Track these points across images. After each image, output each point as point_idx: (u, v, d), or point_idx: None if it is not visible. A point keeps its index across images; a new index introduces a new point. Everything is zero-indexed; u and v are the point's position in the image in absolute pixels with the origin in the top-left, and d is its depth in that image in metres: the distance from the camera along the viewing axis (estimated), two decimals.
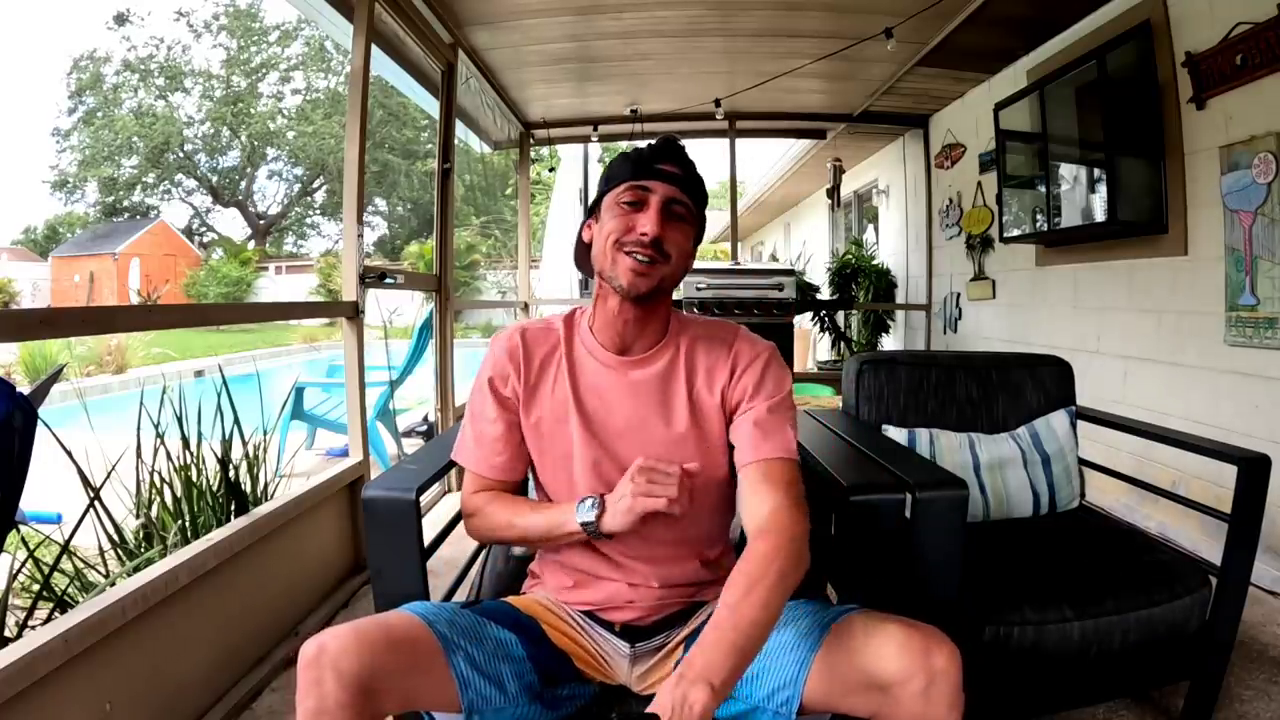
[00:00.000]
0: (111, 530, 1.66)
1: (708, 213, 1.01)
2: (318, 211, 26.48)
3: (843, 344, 5.54)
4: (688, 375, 0.98)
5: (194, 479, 1.80)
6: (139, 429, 1.80)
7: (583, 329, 1.00)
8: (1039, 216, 3.14)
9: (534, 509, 0.95)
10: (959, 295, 4.28)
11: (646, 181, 0.91)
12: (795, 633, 0.82)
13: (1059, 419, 1.68)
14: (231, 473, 1.85)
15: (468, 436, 1.01)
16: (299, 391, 3.65)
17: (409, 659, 0.78)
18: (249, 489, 1.93)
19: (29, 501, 1.16)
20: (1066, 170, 2.95)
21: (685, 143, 0.98)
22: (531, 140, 4.87)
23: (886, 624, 0.77)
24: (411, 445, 3.79)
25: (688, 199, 0.93)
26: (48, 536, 1.57)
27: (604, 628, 0.97)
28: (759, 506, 0.87)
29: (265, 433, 2.17)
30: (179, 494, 1.78)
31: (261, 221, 25.67)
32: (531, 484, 1.07)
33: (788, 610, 0.85)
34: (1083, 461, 1.71)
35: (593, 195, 0.99)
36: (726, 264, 4.54)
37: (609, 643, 0.97)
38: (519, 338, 0.99)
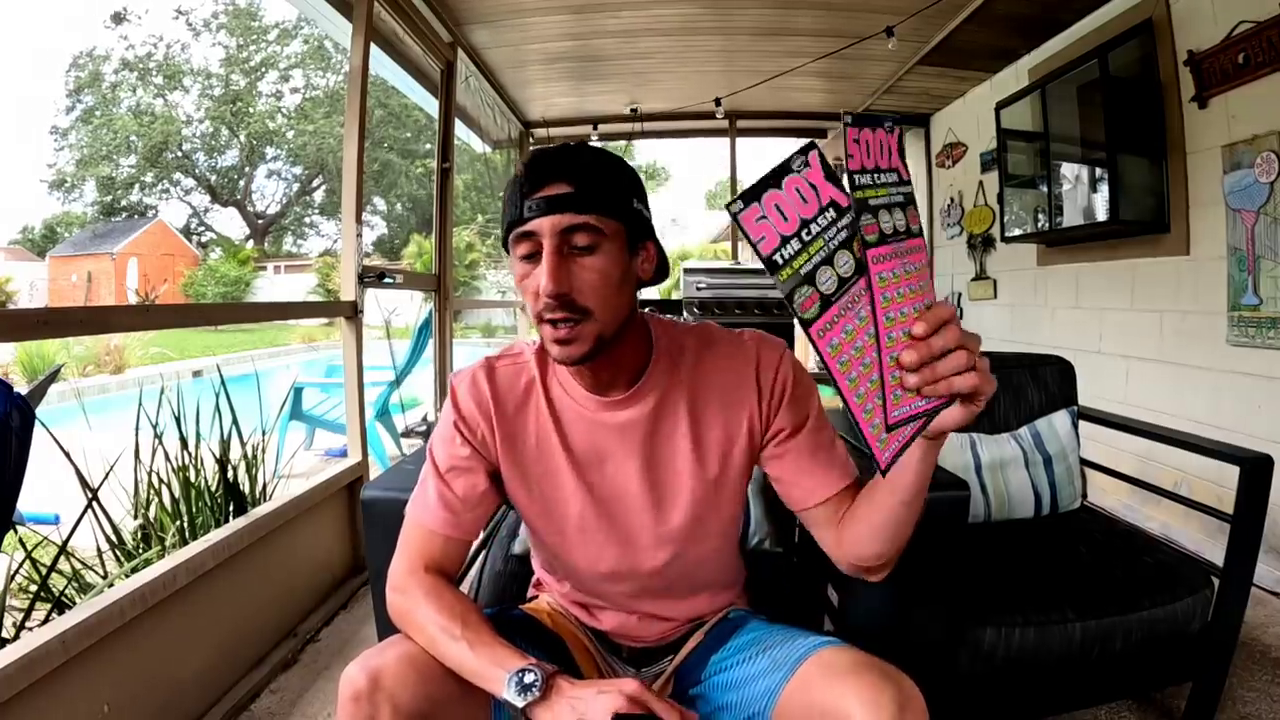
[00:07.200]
0: (109, 531, 1.65)
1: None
2: (316, 211, 26.51)
3: None
4: (691, 406, 0.82)
5: (192, 479, 1.80)
6: (137, 429, 1.79)
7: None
8: (1040, 216, 3.14)
9: (466, 640, 0.72)
10: (960, 295, 4.27)
11: (528, 224, 0.71)
12: (770, 661, 0.79)
13: (1061, 419, 1.68)
14: (230, 473, 1.84)
15: (429, 492, 0.83)
16: (298, 392, 3.64)
17: (457, 685, 0.72)
18: (247, 489, 1.93)
19: (26, 502, 1.15)
20: (1068, 169, 2.95)
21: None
22: (531, 140, 4.85)
23: (853, 668, 0.71)
24: (411, 445, 3.79)
25: (589, 216, 0.71)
26: (45, 537, 1.56)
27: (611, 652, 0.95)
28: None
29: (264, 433, 2.16)
30: (177, 494, 1.78)
31: (260, 221, 25.66)
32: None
33: (768, 634, 0.84)
34: (1084, 462, 1.71)
35: None
36: (727, 264, 4.52)
37: (616, 664, 0.95)
38: (485, 380, 0.84)
